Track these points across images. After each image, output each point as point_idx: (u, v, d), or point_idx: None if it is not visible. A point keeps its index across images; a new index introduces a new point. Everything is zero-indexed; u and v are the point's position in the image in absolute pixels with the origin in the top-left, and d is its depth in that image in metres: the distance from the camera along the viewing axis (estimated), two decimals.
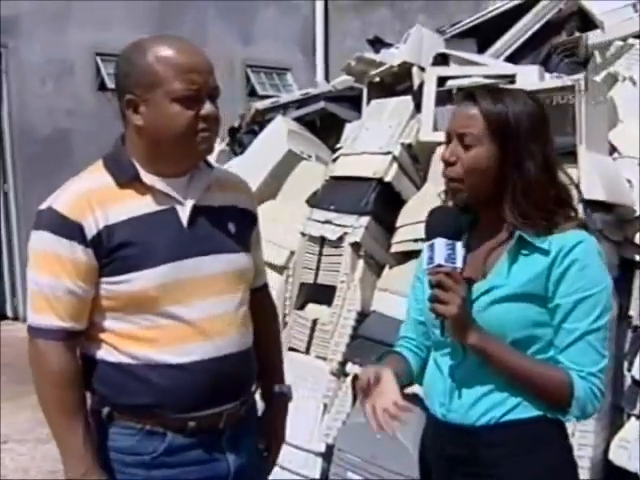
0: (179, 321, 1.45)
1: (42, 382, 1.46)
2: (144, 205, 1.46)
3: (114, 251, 1.42)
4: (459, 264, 1.37)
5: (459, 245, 1.39)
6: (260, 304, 1.67)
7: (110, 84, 6.45)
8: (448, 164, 1.45)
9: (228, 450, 1.52)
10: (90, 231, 1.41)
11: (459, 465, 1.48)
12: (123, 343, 1.45)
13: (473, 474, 1.47)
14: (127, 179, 1.46)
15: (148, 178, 1.46)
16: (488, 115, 1.41)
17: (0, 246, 6.72)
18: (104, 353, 1.47)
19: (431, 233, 1.41)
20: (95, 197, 1.43)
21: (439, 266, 1.37)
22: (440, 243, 1.38)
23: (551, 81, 2.77)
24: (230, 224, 1.54)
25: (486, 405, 1.44)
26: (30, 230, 1.46)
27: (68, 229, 1.41)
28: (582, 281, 1.39)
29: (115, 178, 1.46)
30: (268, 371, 1.70)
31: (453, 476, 1.50)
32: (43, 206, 1.45)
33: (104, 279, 1.43)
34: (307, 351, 3.13)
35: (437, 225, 1.42)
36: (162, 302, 1.43)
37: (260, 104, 4.21)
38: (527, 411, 1.43)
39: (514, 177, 1.40)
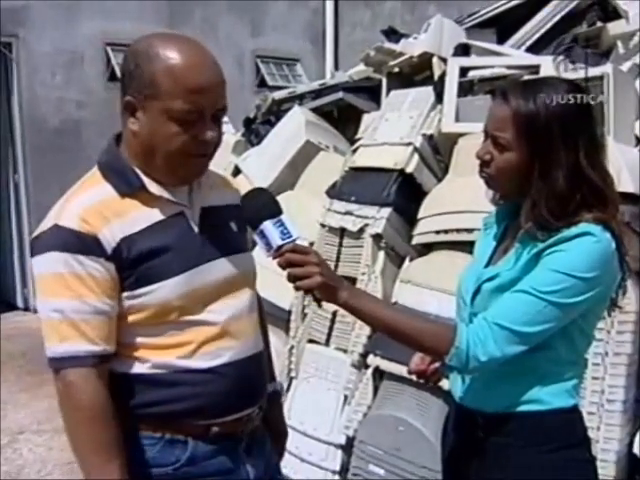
0: (205, 325, 1.40)
1: (76, 418, 1.32)
2: (153, 213, 1.39)
3: (135, 263, 1.34)
4: (295, 234, 1.34)
5: (284, 217, 1.36)
6: None
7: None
8: (482, 162, 1.45)
9: (246, 459, 1.48)
10: (109, 244, 1.32)
11: (472, 450, 1.49)
12: (147, 354, 1.38)
13: (484, 461, 1.47)
14: (132, 190, 1.38)
15: (154, 187, 1.39)
16: (519, 120, 1.38)
17: (11, 236, 6.72)
18: (122, 366, 1.38)
19: (254, 221, 1.37)
20: (107, 208, 1.34)
21: (280, 248, 1.33)
22: (268, 226, 1.34)
23: (577, 72, 2.73)
24: (232, 223, 1.51)
25: (502, 393, 1.43)
26: (40, 222, 1.36)
27: (84, 244, 1.30)
28: (555, 258, 1.34)
29: (118, 189, 1.37)
30: None
31: (466, 462, 1.50)
32: (44, 227, 1.34)
33: (125, 293, 1.35)
34: (327, 343, 3.11)
35: (255, 211, 1.37)
36: (186, 309, 1.38)
37: (277, 94, 4.17)
38: (543, 404, 1.42)
39: (539, 186, 1.38)
